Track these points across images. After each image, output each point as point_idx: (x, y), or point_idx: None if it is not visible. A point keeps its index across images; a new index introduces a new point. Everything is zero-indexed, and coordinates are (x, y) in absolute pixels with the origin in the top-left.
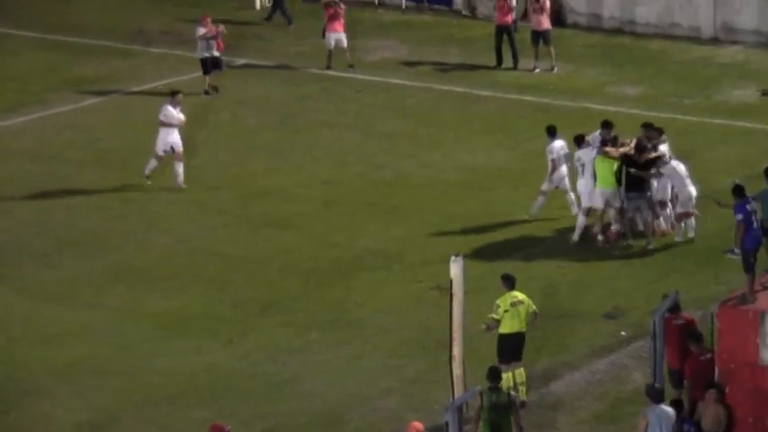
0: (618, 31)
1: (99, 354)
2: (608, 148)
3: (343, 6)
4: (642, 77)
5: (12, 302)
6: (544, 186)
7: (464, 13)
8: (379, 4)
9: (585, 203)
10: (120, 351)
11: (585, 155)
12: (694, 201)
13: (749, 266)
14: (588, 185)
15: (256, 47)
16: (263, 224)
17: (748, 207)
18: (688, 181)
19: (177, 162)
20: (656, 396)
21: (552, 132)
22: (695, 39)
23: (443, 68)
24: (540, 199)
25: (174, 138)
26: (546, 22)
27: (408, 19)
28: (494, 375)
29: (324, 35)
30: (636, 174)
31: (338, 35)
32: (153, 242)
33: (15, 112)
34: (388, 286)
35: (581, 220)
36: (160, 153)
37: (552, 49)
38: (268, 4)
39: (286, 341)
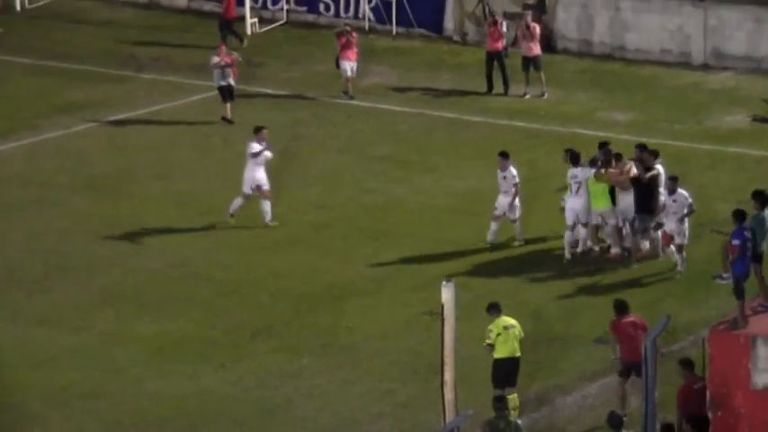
0: (608, 57)
1: (89, 378)
2: (604, 170)
3: (355, 35)
4: (633, 103)
5: (3, 328)
6: (514, 215)
7: (455, 38)
8: (369, 30)
9: (578, 219)
10: (111, 375)
11: (582, 173)
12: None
13: (740, 291)
14: (583, 203)
15: (247, 72)
16: (254, 249)
17: (746, 233)
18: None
19: (264, 200)
20: (616, 423)
21: (508, 156)
22: (686, 65)
23: (434, 94)
24: (517, 225)
25: (260, 175)
26: (536, 48)
27: (398, 45)
28: (499, 403)
29: (337, 64)
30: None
31: (351, 63)
32: (144, 266)
33: (6, 137)
34: (380, 311)
35: (569, 236)
36: (247, 192)
37: (543, 74)
38: (259, 30)
39: (278, 366)
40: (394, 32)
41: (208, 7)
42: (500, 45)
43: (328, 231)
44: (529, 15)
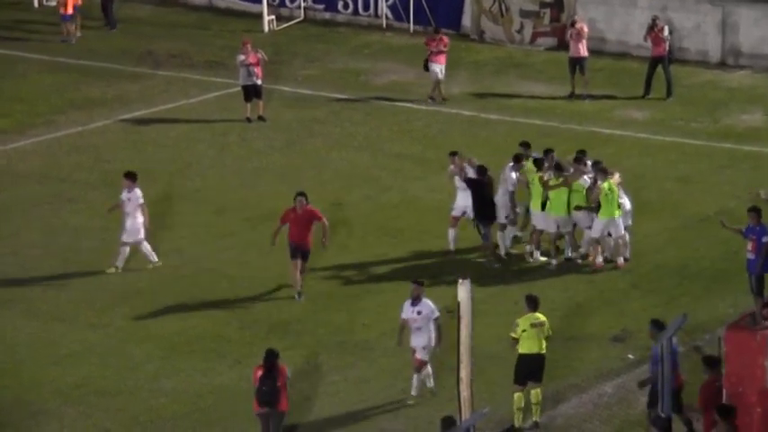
0: (625, 55)
1: (105, 374)
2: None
3: (445, 39)
4: (649, 101)
5: (19, 324)
6: (133, 237)
7: (472, 36)
8: (387, 27)
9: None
10: (127, 372)
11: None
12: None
13: (760, 289)
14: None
15: (265, 69)
16: (269, 246)
17: None
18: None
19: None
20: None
21: (134, 177)
22: (703, 63)
23: (451, 92)
24: (125, 250)
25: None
26: (584, 50)
27: (416, 42)
28: None
29: (426, 67)
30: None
31: (441, 66)
32: (160, 264)
33: (23, 133)
34: (396, 309)
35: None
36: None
37: (586, 77)
38: (276, 28)
39: (293, 363)
40: (411, 30)
41: (224, 4)
42: (663, 50)
43: (345, 229)
44: (577, 16)
